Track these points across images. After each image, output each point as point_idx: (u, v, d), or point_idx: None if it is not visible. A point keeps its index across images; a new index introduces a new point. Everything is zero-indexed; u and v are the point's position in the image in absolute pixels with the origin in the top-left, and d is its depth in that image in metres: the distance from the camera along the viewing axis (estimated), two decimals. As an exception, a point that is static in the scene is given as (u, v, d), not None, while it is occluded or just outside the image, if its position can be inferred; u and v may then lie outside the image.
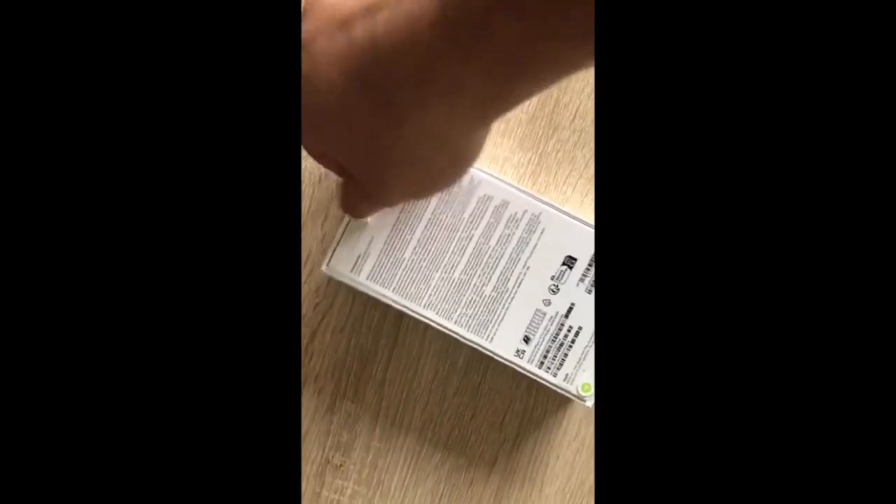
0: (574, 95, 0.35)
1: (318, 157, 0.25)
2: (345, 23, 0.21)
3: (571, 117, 0.36)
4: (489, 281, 0.32)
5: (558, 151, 0.36)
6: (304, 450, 0.37)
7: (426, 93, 0.20)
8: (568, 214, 0.32)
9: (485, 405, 0.36)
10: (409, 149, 0.22)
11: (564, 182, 0.36)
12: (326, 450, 0.37)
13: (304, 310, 0.36)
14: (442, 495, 0.37)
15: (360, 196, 0.27)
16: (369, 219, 0.32)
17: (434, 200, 0.32)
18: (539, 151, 0.36)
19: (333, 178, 0.36)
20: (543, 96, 0.35)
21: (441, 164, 0.23)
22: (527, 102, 0.35)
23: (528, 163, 0.36)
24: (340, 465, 0.37)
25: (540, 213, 0.32)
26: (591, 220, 0.36)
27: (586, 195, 0.36)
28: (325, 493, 0.37)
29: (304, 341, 0.36)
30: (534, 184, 0.36)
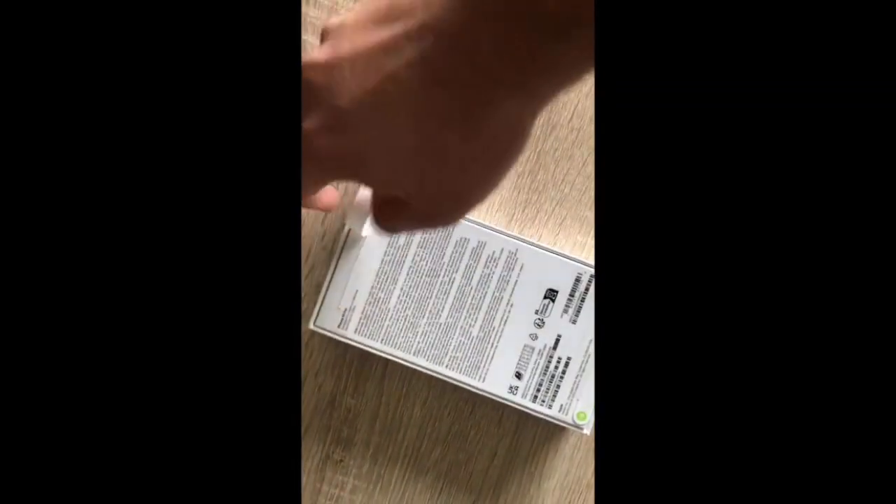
0: (572, 94, 0.36)
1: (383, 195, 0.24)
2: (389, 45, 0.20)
3: (569, 116, 0.36)
4: (475, 322, 0.33)
5: (556, 150, 0.36)
6: (304, 445, 0.37)
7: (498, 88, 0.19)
8: (544, 248, 0.33)
9: (484, 400, 0.36)
10: (485, 150, 0.21)
11: (563, 180, 0.36)
12: (327, 445, 0.37)
13: (304, 305, 0.36)
14: (441, 490, 0.37)
15: (415, 218, 0.24)
16: (350, 275, 0.33)
17: (413, 248, 0.33)
18: (537, 150, 0.36)
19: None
20: (542, 95, 0.36)
21: (511, 153, 0.22)
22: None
23: (527, 161, 0.36)
24: (341, 461, 0.37)
25: (517, 250, 0.33)
26: (590, 214, 0.36)
27: (584, 192, 0.36)
28: (325, 488, 0.37)
29: (304, 337, 0.36)
30: (532, 181, 0.36)
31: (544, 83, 0.20)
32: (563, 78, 0.19)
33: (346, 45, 0.21)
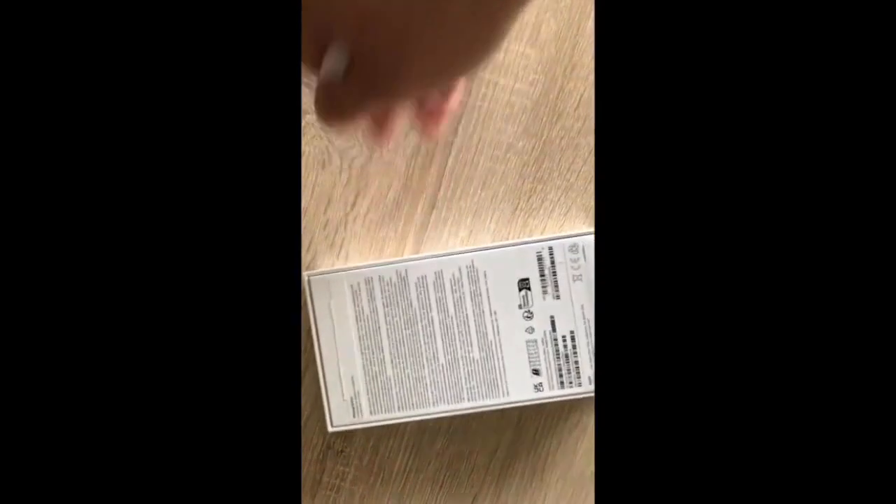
0: (578, 83, 0.35)
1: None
2: None
3: (575, 105, 0.35)
4: (472, 346, 0.33)
5: (562, 139, 0.36)
6: (305, 435, 0.37)
7: None
8: (493, 247, 0.33)
9: (487, 392, 0.36)
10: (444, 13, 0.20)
11: (568, 169, 0.36)
12: (328, 435, 0.37)
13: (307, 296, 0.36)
14: (443, 482, 0.37)
15: (366, 88, 0.23)
16: (339, 365, 0.33)
17: (380, 311, 0.33)
18: (543, 139, 0.36)
19: (336, 164, 0.36)
20: (547, 83, 0.35)
21: (468, 39, 0.21)
22: (530, 88, 0.35)
23: (532, 150, 0.36)
24: (342, 451, 0.37)
25: (472, 262, 0.33)
26: (594, 198, 0.36)
27: (590, 182, 0.36)
28: (325, 478, 0.37)
29: (307, 326, 0.36)
30: (538, 170, 0.36)
31: None
32: None
33: None
